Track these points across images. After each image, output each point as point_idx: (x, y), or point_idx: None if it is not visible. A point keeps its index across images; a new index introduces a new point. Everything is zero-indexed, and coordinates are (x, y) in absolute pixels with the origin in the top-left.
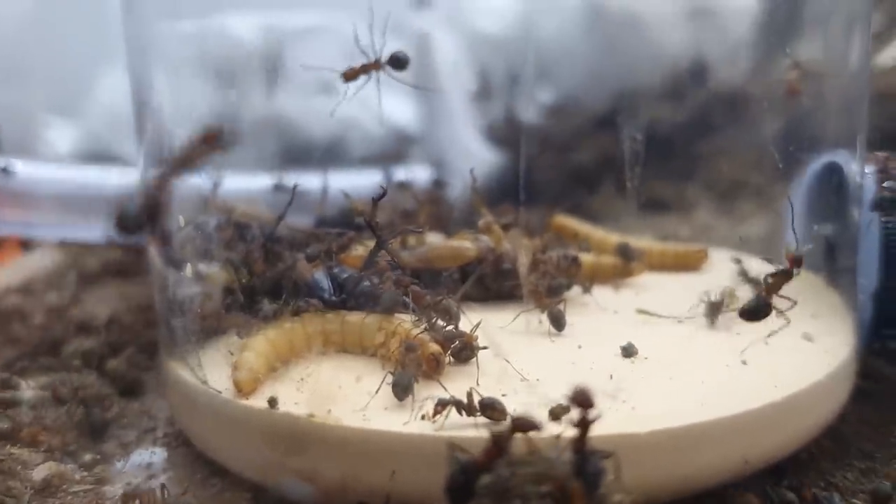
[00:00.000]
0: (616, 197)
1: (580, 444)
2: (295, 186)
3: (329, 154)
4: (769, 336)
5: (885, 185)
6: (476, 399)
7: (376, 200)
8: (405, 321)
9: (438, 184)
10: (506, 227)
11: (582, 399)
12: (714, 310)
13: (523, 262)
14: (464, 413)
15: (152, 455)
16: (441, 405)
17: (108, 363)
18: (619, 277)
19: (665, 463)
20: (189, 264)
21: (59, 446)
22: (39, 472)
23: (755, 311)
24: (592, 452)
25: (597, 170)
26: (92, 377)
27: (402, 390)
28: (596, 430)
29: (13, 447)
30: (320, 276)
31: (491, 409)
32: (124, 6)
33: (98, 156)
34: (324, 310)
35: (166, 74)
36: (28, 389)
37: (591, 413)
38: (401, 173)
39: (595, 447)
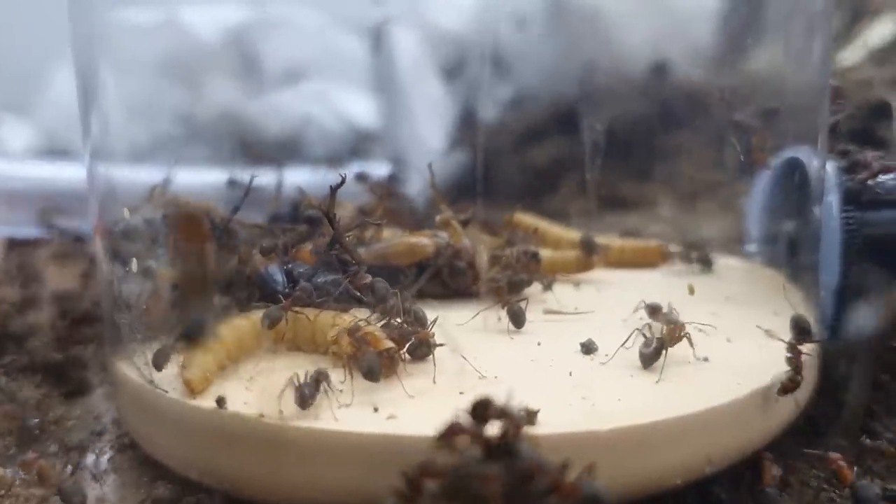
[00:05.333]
0: (576, 194)
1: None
2: (252, 178)
3: (285, 150)
4: None
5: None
6: None
7: (334, 189)
8: (359, 317)
9: (394, 178)
10: (465, 224)
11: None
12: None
13: (483, 258)
14: None
15: (98, 458)
16: None
17: (52, 362)
18: (577, 271)
19: (627, 462)
20: (135, 259)
21: None
22: None
23: None
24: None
25: (556, 167)
26: (36, 378)
27: (375, 373)
28: (557, 429)
29: None
30: (274, 270)
31: None
32: None
33: (53, 152)
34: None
35: (114, 67)
36: None
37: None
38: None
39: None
